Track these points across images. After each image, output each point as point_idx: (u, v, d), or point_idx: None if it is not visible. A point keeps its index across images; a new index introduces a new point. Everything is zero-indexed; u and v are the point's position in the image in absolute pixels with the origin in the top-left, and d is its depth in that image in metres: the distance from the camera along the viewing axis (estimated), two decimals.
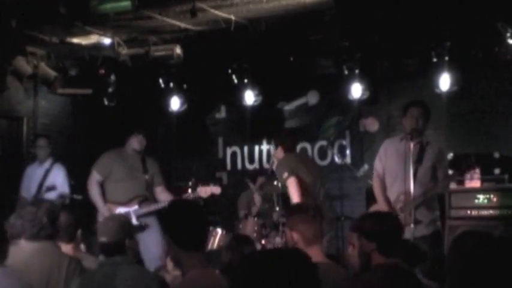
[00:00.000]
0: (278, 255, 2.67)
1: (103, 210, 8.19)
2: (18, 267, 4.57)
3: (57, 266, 4.78)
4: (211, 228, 8.76)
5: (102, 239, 4.69)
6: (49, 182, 9.07)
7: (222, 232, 8.97)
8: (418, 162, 6.92)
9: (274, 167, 8.64)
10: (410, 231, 6.54)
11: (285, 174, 7.96)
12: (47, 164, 9.19)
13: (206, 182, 8.46)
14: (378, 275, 4.19)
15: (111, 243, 4.66)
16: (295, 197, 7.79)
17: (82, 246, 6.07)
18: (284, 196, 9.33)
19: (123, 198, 8.28)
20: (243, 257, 2.80)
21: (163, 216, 3.94)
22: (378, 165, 7.36)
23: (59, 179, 9.11)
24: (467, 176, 8.53)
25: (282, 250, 2.96)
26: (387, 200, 7.06)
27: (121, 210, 8.05)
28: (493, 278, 3.24)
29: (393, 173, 7.02)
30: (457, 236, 3.83)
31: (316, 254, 4.41)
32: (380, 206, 7.07)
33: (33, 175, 9.17)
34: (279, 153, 8.32)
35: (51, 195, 8.88)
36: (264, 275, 2.55)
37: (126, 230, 4.88)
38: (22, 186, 9.21)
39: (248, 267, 2.61)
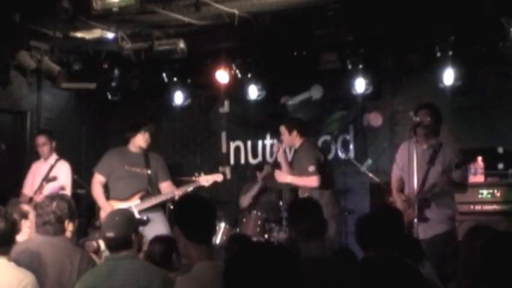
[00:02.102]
0: (258, 250, 2.70)
1: (105, 207, 8.19)
2: (29, 259, 4.61)
3: (69, 260, 4.81)
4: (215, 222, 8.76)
5: (109, 234, 4.64)
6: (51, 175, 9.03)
7: (226, 226, 8.99)
8: (430, 162, 7.02)
9: (285, 155, 8.73)
10: (419, 228, 6.65)
11: (311, 168, 8.12)
12: (51, 160, 9.14)
13: (207, 172, 8.54)
14: (377, 269, 4.20)
15: (118, 238, 4.64)
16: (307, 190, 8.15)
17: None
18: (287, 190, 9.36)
19: (125, 194, 8.28)
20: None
21: (175, 209, 4.04)
22: (394, 168, 7.53)
23: (62, 173, 9.07)
24: (471, 170, 8.53)
25: (264, 245, 3.01)
26: (400, 193, 7.20)
27: (122, 206, 8.05)
28: (507, 272, 3.25)
29: (406, 174, 7.10)
30: (468, 231, 3.85)
31: (315, 248, 4.41)
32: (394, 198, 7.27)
33: (37, 171, 9.14)
34: (296, 138, 8.38)
35: (51, 187, 8.85)
36: (242, 270, 2.58)
37: (132, 224, 4.89)
38: (25, 183, 9.18)
39: (231, 264, 2.65)
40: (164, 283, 4.40)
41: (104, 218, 5.02)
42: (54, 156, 9.17)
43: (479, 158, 8.57)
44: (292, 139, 8.42)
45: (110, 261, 4.62)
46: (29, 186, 9.07)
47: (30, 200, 8.61)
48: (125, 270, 4.48)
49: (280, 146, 8.56)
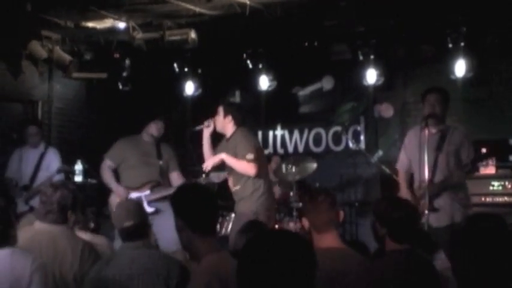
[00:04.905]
0: (275, 238, 2.68)
1: (118, 190, 8.19)
2: (32, 247, 4.61)
3: (71, 249, 4.81)
4: (225, 213, 8.78)
5: (128, 223, 4.65)
6: (44, 164, 9.05)
7: None
8: (438, 149, 6.87)
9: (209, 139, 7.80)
10: (430, 219, 6.60)
11: (250, 156, 7.32)
12: (41, 148, 9.16)
13: (219, 168, 8.39)
14: (391, 261, 4.20)
15: (137, 226, 4.65)
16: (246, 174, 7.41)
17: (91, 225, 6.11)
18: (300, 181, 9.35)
19: (135, 183, 8.27)
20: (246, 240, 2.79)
21: (175, 200, 3.91)
22: (402, 156, 7.37)
23: (54, 163, 9.08)
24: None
25: (280, 233, 2.97)
26: (410, 190, 7.06)
27: (133, 195, 8.07)
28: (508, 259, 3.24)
29: (416, 162, 6.99)
30: (469, 218, 3.83)
31: (330, 239, 4.41)
32: (402, 195, 7.09)
33: (25, 158, 9.11)
34: (228, 125, 7.55)
35: (43, 177, 8.89)
36: (258, 257, 2.56)
37: (145, 213, 4.92)
38: (9, 170, 9.15)
39: (246, 250, 2.63)
40: (182, 273, 4.41)
41: (115, 209, 5.00)
42: (43, 144, 9.21)
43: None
44: (224, 124, 7.60)
45: (127, 250, 4.63)
46: (14, 172, 9.06)
47: (26, 187, 8.79)
48: (144, 259, 4.50)
49: (211, 124, 7.70)
